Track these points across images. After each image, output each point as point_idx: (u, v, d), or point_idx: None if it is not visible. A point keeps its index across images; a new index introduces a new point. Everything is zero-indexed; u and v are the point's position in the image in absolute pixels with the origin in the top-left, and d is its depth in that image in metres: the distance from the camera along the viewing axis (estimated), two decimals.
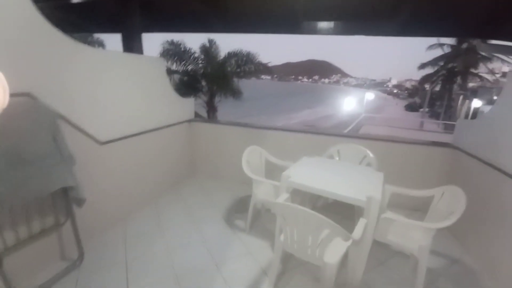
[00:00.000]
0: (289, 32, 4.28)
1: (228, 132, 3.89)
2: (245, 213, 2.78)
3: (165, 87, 3.36)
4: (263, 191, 2.63)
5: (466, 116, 20.05)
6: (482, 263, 2.28)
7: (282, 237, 1.80)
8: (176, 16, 3.81)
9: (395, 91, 76.19)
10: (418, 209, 3.17)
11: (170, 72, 8.95)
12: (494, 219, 2.17)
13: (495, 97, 21.87)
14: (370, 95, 29.54)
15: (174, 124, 3.51)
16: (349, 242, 1.70)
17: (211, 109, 9.20)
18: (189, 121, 3.90)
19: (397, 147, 3.30)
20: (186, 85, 9.08)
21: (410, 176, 3.12)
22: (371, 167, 2.72)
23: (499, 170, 2.23)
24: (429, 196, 2.15)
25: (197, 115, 9.02)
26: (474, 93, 22.08)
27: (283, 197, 2.04)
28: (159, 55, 8.38)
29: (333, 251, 1.70)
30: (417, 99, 38.75)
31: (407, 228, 2.02)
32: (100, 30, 6.21)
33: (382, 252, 2.34)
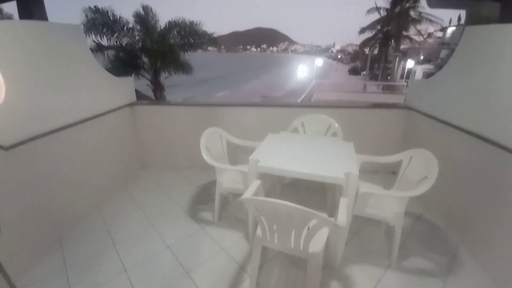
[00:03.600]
0: None
1: (178, 113, 3.39)
2: (211, 203, 2.50)
3: (89, 64, 2.65)
4: (228, 179, 2.35)
5: (402, 77, 22.15)
6: (443, 218, 2.44)
7: (259, 232, 1.57)
8: None
9: (339, 56, 79.39)
10: (382, 170, 3.29)
11: (101, 48, 7.57)
12: (450, 173, 2.27)
13: (421, 57, 24.50)
14: (319, 62, 30.32)
15: (110, 111, 2.87)
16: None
17: (158, 88, 8.24)
18: (131, 105, 3.27)
19: (355, 113, 3.31)
20: (124, 62, 7.88)
21: (371, 140, 3.16)
22: (337, 136, 2.63)
23: (454, 126, 2.31)
24: (398, 161, 2.15)
25: (143, 96, 7.95)
26: (404, 54, 24.31)
27: (254, 185, 1.78)
28: (82, 25, 6.92)
29: (316, 238, 1.55)
30: (358, 63, 41.24)
31: (383, 198, 1.98)
32: None
33: (354, 222, 2.32)
